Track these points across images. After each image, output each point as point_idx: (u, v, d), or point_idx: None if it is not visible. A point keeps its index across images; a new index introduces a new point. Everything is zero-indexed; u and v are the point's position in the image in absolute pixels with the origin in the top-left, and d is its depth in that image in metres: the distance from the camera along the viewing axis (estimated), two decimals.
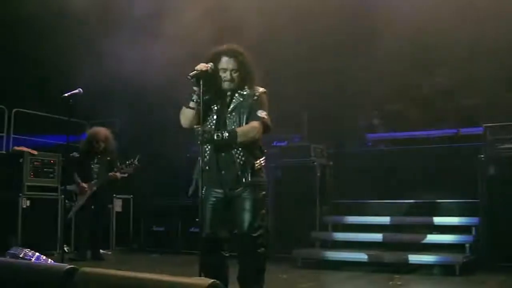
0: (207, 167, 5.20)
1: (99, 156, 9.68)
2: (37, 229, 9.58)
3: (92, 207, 9.53)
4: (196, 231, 9.61)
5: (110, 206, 10.71)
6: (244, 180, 5.14)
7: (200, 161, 5.19)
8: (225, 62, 5.23)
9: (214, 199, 5.22)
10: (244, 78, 5.26)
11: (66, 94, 7.51)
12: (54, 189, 10.15)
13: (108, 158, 9.66)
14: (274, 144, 10.07)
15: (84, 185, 9.56)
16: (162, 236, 10.88)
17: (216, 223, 5.20)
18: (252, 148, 5.19)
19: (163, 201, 10.95)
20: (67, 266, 3.63)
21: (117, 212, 11.14)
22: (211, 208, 5.21)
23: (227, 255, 5.26)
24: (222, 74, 5.25)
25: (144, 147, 10.82)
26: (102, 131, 9.76)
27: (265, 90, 5.29)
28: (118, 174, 9.55)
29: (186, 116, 5.22)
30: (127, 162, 9.37)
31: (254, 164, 5.17)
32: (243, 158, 5.14)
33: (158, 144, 11.39)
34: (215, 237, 5.21)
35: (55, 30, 9.88)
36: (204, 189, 5.22)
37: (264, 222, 5.20)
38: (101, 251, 9.67)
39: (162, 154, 11.23)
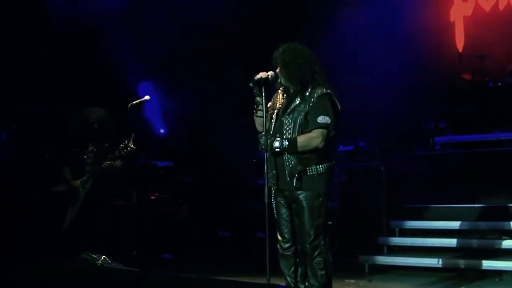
0: (273, 171, 5.20)
1: (93, 143, 7.75)
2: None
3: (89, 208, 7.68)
4: (263, 236, 9.47)
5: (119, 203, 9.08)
6: (294, 185, 5.07)
7: (265, 166, 5.20)
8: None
9: (278, 203, 5.25)
10: (290, 77, 5.16)
11: (134, 102, 7.49)
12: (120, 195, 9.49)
13: (106, 145, 7.61)
14: (340, 148, 9.96)
15: (77, 182, 7.65)
16: (228, 241, 10.82)
17: (283, 228, 5.24)
18: (304, 154, 5.07)
19: (229, 206, 10.86)
20: (138, 270, 3.71)
21: (183, 218, 11.05)
22: (277, 212, 5.27)
23: (297, 259, 5.25)
24: None
25: (210, 152, 10.88)
26: (96, 110, 7.85)
27: (328, 91, 5.13)
28: (117, 162, 7.56)
29: (258, 123, 5.33)
30: (121, 145, 7.38)
31: (306, 170, 5.07)
32: (292, 163, 5.08)
33: (225, 150, 11.30)
34: (283, 241, 5.24)
35: None
36: (273, 193, 5.26)
37: (320, 231, 5.10)
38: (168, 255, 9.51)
39: (228, 159, 11.17)
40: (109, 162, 7.45)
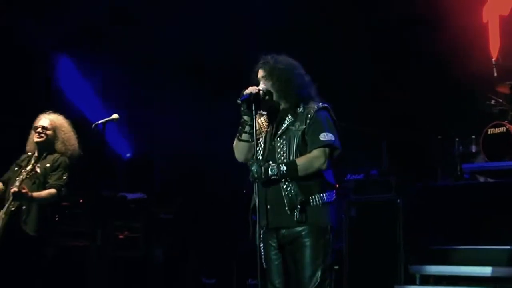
0: (265, 206, 4.81)
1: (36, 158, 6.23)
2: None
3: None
4: (255, 283, 9.24)
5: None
6: (296, 218, 4.65)
7: (255, 198, 4.74)
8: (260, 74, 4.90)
9: (268, 246, 4.87)
10: (281, 93, 4.80)
11: (100, 121, 6.74)
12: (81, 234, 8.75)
13: (50, 164, 6.10)
14: (348, 177, 9.38)
15: None
16: None
17: (275, 277, 4.84)
18: (306, 180, 4.69)
19: (215, 248, 10.39)
20: None
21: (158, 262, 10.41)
22: (267, 258, 4.87)
23: None
24: None
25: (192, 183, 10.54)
26: (49, 115, 6.43)
27: (325, 105, 4.86)
28: (49, 190, 6.03)
29: (240, 149, 4.94)
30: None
31: (308, 200, 4.68)
32: (292, 192, 4.68)
33: (208, 180, 10.98)
34: None
35: None
36: (262, 230, 4.85)
37: (326, 276, 4.70)
38: None
39: (213, 190, 10.77)
40: (19, 189, 5.73)
